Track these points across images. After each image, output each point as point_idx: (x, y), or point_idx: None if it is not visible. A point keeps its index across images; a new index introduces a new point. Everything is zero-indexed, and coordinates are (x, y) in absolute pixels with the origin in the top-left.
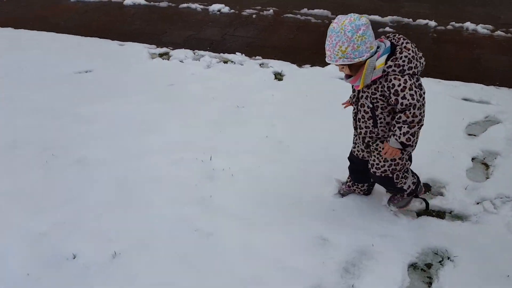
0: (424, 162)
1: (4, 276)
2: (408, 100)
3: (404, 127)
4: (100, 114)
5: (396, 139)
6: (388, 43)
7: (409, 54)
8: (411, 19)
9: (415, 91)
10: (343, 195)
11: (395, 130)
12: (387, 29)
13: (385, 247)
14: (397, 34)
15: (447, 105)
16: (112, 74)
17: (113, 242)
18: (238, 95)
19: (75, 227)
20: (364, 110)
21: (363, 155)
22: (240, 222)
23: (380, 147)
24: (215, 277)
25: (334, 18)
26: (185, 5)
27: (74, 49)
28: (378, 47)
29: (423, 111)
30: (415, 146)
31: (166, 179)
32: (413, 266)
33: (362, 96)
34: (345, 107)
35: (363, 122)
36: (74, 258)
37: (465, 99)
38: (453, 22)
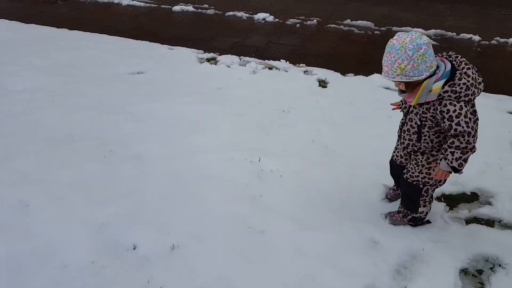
0: (472, 173)
1: (70, 263)
2: (463, 127)
3: (457, 152)
4: (153, 112)
5: (448, 163)
6: (448, 66)
7: (468, 81)
8: (454, 33)
9: (470, 118)
10: (390, 200)
11: (447, 155)
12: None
13: (436, 252)
14: (459, 56)
15: (493, 118)
16: (163, 76)
17: (171, 235)
18: (284, 100)
19: (134, 219)
20: (411, 125)
21: (401, 160)
22: (291, 222)
23: (419, 159)
24: (269, 272)
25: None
26: (231, 13)
27: (127, 51)
28: (437, 67)
29: (476, 138)
30: None
31: (218, 177)
32: (464, 272)
33: (413, 111)
34: (393, 109)
35: (407, 134)
36: (134, 248)
37: (511, 113)
38: (498, 37)
